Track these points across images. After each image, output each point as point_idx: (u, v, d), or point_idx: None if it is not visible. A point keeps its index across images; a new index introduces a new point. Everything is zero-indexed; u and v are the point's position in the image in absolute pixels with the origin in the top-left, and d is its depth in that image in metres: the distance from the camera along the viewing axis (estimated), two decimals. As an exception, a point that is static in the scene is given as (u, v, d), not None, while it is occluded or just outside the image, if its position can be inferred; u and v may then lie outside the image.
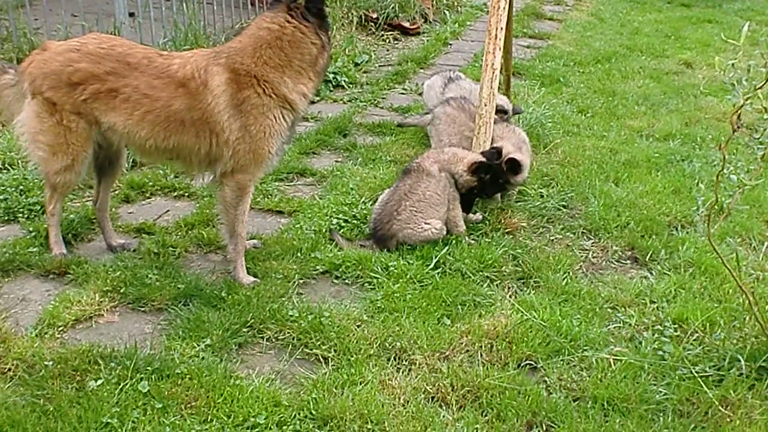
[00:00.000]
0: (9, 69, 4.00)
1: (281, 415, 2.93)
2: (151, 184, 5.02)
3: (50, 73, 3.76)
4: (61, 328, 3.45)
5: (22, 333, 3.40)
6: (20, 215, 4.46)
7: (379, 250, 4.19)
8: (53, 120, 3.81)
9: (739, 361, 3.21)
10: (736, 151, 5.17)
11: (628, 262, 4.38)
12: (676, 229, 4.69)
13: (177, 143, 3.80)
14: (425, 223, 4.25)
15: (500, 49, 4.78)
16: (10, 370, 3.12)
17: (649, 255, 4.35)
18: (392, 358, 3.33)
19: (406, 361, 3.32)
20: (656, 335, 3.54)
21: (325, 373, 3.20)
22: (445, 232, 4.32)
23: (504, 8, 4.78)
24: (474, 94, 5.41)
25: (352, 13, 9.12)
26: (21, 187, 4.70)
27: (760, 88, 2.80)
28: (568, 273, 4.12)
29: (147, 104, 3.74)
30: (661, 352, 3.41)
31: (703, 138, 6.27)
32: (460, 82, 6.01)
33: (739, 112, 2.87)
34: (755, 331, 3.35)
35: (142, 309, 3.66)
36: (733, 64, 2.83)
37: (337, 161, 5.64)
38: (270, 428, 2.88)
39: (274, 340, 3.46)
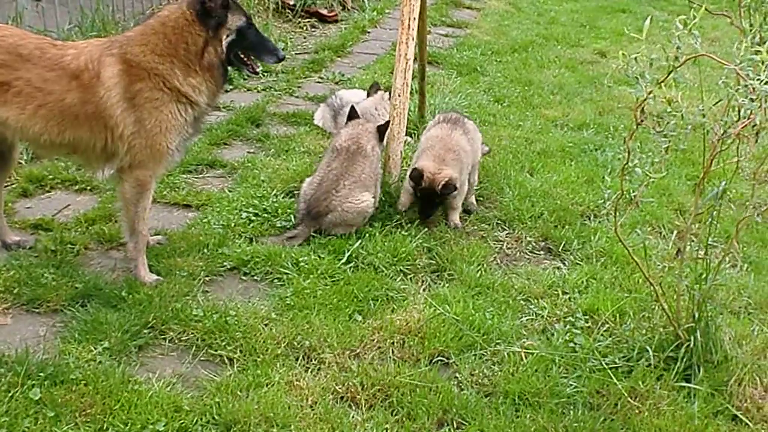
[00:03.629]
0: None
1: (182, 421, 2.81)
2: (51, 177, 4.76)
3: None
4: (-54, 335, 3.22)
5: None
6: None
7: (297, 244, 4.12)
8: None
9: (648, 351, 3.25)
10: (647, 140, 5.27)
11: (542, 252, 4.41)
12: (589, 219, 4.76)
13: (72, 138, 3.61)
14: (361, 198, 4.25)
15: (413, 38, 4.72)
16: None
17: (562, 245, 4.39)
18: (301, 358, 3.24)
19: (315, 360, 3.24)
20: (568, 327, 3.58)
21: (230, 375, 3.09)
22: (376, 203, 4.39)
23: (417, -3, 4.72)
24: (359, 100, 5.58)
25: (269, 0, 8.90)
26: None
27: (662, 82, 2.82)
28: (482, 265, 4.12)
29: (40, 98, 3.54)
30: (572, 344, 3.45)
31: (616, 127, 6.39)
32: (344, 98, 5.91)
33: (642, 105, 2.89)
34: (663, 321, 3.41)
35: (37, 310, 3.46)
36: (635, 58, 2.84)
37: (248, 152, 5.48)
38: (170, 435, 2.74)
39: (176, 341, 3.31)
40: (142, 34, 3.64)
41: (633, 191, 3.08)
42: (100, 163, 3.75)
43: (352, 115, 4.75)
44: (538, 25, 10.40)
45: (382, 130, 4.64)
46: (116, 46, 3.61)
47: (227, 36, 3.65)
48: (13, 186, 4.56)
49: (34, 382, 2.91)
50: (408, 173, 4.47)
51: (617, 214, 3.23)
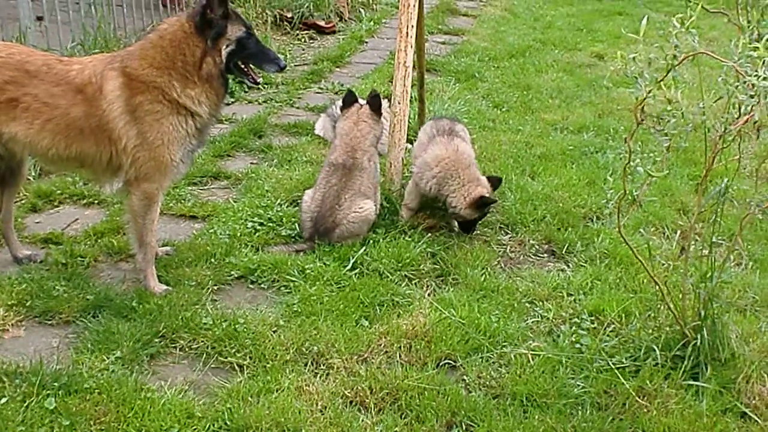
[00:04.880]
0: None
1: (195, 428, 2.84)
2: (59, 192, 4.82)
3: None
4: (-38, 345, 3.26)
5: None
6: None
7: (309, 252, 4.17)
8: None
9: (655, 350, 3.27)
10: (648, 141, 5.31)
11: (546, 255, 4.44)
12: (592, 221, 4.79)
13: (79, 152, 3.66)
14: (363, 206, 4.28)
15: (412, 46, 4.77)
16: None
17: (565, 248, 4.42)
18: (309, 363, 3.27)
19: (323, 365, 3.27)
20: (573, 328, 3.59)
21: (241, 382, 3.12)
22: (378, 210, 4.42)
23: (414, 5, 4.77)
24: None
25: (267, 13, 8.97)
26: None
27: (661, 80, 2.85)
28: (486, 269, 4.15)
29: (47, 113, 3.60)
30: (578, 345, 3.46)
31: (616, 129, 6.43)
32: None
33: (642, 105, 2.93)
34: (669, 320, 3.42)
35: (50, 322, 3.51)
36: (634, 58, 2.88)
37: (252, 163, 5.53)
38: (183, 441, 2.78)
39: (187, 349, 3.35)
40: (142, 48, 3.69)
41: (635, 191, 3.11)
42: (107, 176, 3.80)
43: (349, 99, 4.72)
44: (535, 30, 10.46)
45: (374, 105, 4.64)
46: (118, 60, 3.67)
47: (227, 46, 3.68)
48: (23, 201, 4.61)
49: (48, 392, 2.95)
50: (472, 204, 4.35)
51: (620, 214, 3.26)
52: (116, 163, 3.69)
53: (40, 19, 7.02)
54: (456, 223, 4.59)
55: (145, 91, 3.59)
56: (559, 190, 5.11)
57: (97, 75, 3.61)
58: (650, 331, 3.48)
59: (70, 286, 3.71)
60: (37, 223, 4.51)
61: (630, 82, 2.95)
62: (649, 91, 2.86)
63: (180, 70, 3.61)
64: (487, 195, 4.37)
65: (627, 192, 3.13)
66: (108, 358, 3.19)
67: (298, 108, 6.88)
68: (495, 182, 4.52)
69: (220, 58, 3.67)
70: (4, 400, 2.89)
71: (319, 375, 3.21)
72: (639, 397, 3.09)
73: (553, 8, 12.05)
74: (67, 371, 3.09)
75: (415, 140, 5.62)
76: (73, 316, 3.52)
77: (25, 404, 2.88)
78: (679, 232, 4.13)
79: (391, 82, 4.78)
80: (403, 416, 3.00)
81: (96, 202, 4.77)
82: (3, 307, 3.51)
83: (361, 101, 4.80)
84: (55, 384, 2.99)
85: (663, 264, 3.52)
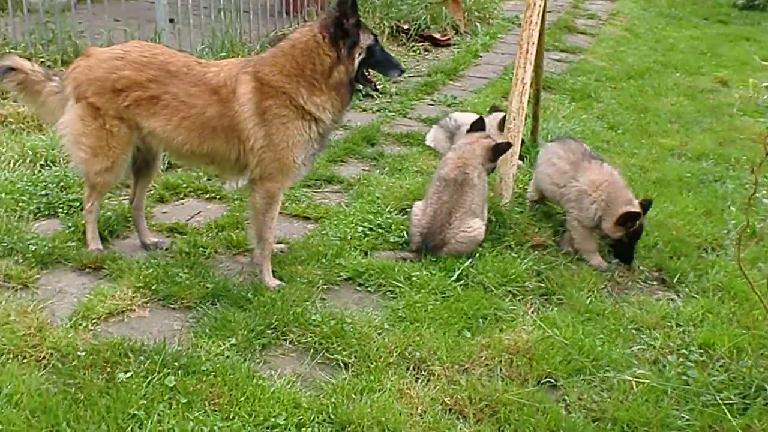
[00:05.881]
0: (54, 76, 4.14)
1: (300, 418, 2.97)
2: (184, 185, 5.12)
3: (95, 80, 3.87)
4: (94, 321, 3.54)
5: (57, 323, 3.49)
6: (60, 211, 4.58)
7: (415, 260, 4.26)
8: (96, 124, 3.91)
9: (766, 389, 3.17)
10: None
11: (655, 283, 4.36)
12: (706, 252, 4.66)
13: (210, 149, 3.89)
14: (473, 225, 4.32)
15: (531, 63, 4.79)
16: (44, 358, 3.22)
17: (677, 277, 4.33)
18: (411, 368, 3.36)
19: (425, 371, 3.34)
20: (681, 359, 3.52)
21: (345, 379, 3.24)
22: (485, 229, 4.41)
23: (536, 23, 4.79)
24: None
25: (384, 24, 9.17)
26: (62, 184, 4.82)
27: (794, 112, 2.78)
28: (593, 292, 4.12)
29: (184, 111, 3.84)
30: (685, 377, 3.38)
31: (737, 159, 6.22)
32: (458, 120, 5.95)
33: (772, 136, 2.86)
34: (783, 359, 3.32)
35: (172, 306, 3.74)
36: (767, 86, 2.82)
37: (364, 170, 5.70)
38: (289, 429, 2.92)
39: (296, 343, 3.50)
40: (274, 55, 3.88)
41: (757, 224, 3.03)
42: (233, 173, 4.02)
43: (477, 126, 4.78)
44: (656, 51, 10.22)
45: (499, 149, 4.64)
46: (251, 65, 3.87)
47: (359, 54, 3.82)
48: (152, 192, 4.92)
49: (169, 370, 3.15)
50: (617, 222, 4.32)
51: (740, 247, 3.17)
52: (243, 162, 3.90)
53: (172, 21, 7.49)
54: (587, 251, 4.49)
55: (274, 96, 3.77)
56: (673, 217, 5.00)
57: (232, 78, 3.83)
58: (762, 369, 3.37)
59: (191, 273, 3.94)
60: (164, 213, 4.81)
61: (759, 111, 2.88)
62: (781, 122, 2.79)
63: (308, 78, 3.77)
64: (632, 210, 4.27)
65: (748, 224, 3.05)
66: (224, 344, 3.38)
67: (410, 118, 7.02)
68: (645, 205, 4.40)
69: (352, 66, 3.81)
70: (128, 374, 3.12)
71: (420, 380, 3.29)
72: (746, 436, 3.00)
73: (676, 30, 11.71)
74: (186, 353, 3.30)
75: (526, 157, 5.65)
76: (194, 302, 3.74)
77: (147, 380, 3.09)
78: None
79: (505, 98, 4.83)
80: (501, 429, 3.04)
81: (218, 197, 5.04)
82: (131, 289, 3.78)
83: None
84: (176, 364, 3.20)
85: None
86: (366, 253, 4.36)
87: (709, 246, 4.70)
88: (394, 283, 4.00)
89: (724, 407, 3.12)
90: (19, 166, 5.11)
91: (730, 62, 9.73)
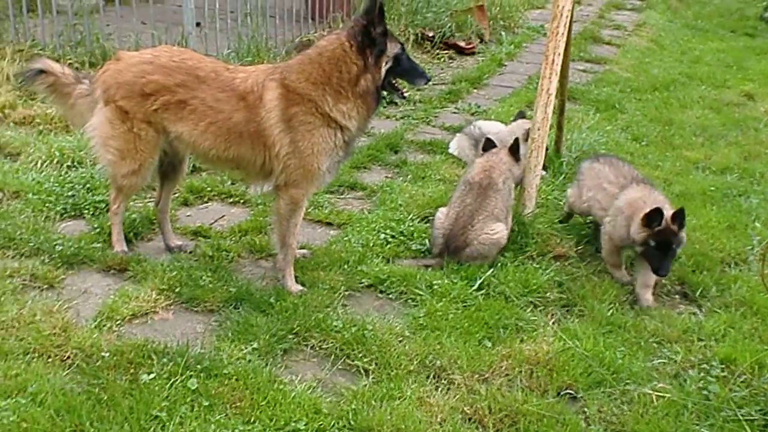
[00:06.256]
0: (83, 79, 4.21)
1: (320, 423, 2.99)
2: (209, 189, 5.18)
3: (124, 83, 3.93)
4: (118, 322, 3.59)
5: (82, 324, 3.55)
6: (86, 212, 4.65)
7: (437, 268, 4.27)
8: (124, 127, 3.97)
9: (787, 406, 3.15)
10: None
11: (677, 296, 4.34)
12: (729, 266, 4.62)
13: (236, 154, 3.93)
14: (495, 228, 4.33)
15: (556, 73, 4.79)
16: (69, 358, 3.27)
17: (699, 291, 4.30)
18: (431, 376, 3.37)
19: (445, 380, 3.35)
20: (702, 374, 3.49)
21: (365, 385, 3.26)
22: (508, 235, 4.42)
23: (563, 33, 4.78)
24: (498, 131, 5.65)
25: (409, 31, 9.21)
26: (88, 185, 4.89)
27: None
28: (615, 304, 4.10)
29: (211, 116, 3.88)
30: (705, 392, 3.36)
31: (762, 173, 6.17)
32: (482, 128, 5.95)
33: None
34: (806, 377, 3.29)
35: (195, 309, 3.79)
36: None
37: (387, 177, 5.73)
38: (309, 435, 2.94)
39: (317, 348, 3.53)
40: (300, 62, 3.91)
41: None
42: (258, 179, 4.06)
43: (488, 146, 4.82)
44: (681, 63, 10.15)
45: (513, 150, 4.69)
46: (278, 72, 3.90)
47: (386, 63, 3.85)
48: (176, 195, 4.97)
49: (191, 373, 3.19)
50: (641, 222, 4.11)
51: (765, 262, 3.15)
52: (268, 168, 3.94)
53: (198, 25, 7.57)
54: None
55: (300, 103, 3.81)
56: (696, 231, 4.96)
57: (259, 84, 3.87)
58: (784, 386, 3.35)
59: (215, 277, 3.99)
60: (188, 216, 4.88)
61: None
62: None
63: (334, 86, 3.80)
64: (655, 208, 4.03)
65: (774, 240, 3.04)
66: (246, 348, 3.42)
67: (433, 126, 7.03)
68: (678, 213, 4.12)
69: (379, 74, 3.83)
70: (151, 375, 3.16)
71: (440, 388, 3.30)
72: (767, 453, 2.98)
73: (702, 42, 11.63)
74: (209, 356, 3.34)
75: (549, 167, 5.64)
76: (217, 305, 3.79)
77: (170, 382, 3.13)
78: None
79: (529, 107, 4.82)
80: (520, 439, 3.04)
81: (241, 201, 5.10)
82: (155, 291, 3.83)
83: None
84: (198, 366, 3.24)
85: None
86: (388, 261, 4.38)
87: (732, 261, 4.67)
88: (416, 291, 4.01)
89: (744, 423, 3.10)
90: (46, 166, 5.21)
91: (757, 76, 9.65)
